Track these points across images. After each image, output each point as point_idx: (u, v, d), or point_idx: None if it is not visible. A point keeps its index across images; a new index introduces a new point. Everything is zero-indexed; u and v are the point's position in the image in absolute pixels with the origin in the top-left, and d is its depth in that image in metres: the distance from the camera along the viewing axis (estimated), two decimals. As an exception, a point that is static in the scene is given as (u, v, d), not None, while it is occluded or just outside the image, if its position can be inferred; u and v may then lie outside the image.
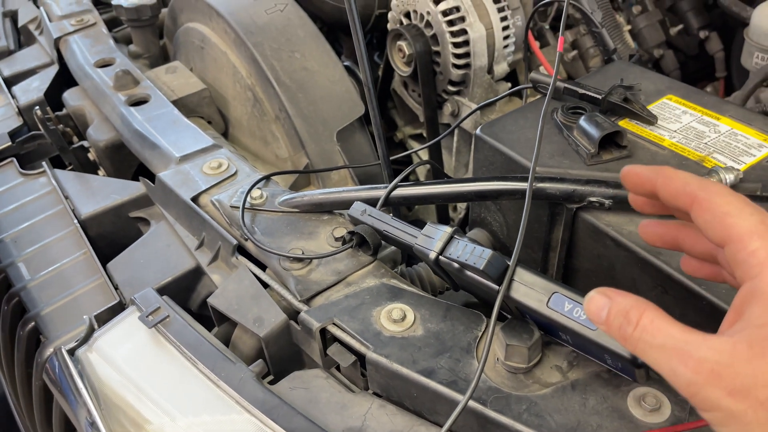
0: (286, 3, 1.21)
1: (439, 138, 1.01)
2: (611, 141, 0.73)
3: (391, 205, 0.77)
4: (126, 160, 1.11)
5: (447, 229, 0.62)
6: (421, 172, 1.47)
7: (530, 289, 0.57)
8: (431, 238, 0.63)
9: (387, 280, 0.72)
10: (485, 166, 0.82)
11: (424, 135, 1.33)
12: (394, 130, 1.52)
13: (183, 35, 1.35)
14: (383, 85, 1.40)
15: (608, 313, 0.44)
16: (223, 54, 1.23)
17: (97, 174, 1.14)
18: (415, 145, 1.49)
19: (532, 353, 0.59)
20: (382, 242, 0.74)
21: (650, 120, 0.78)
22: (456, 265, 0.60)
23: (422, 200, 0.76)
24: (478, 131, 0.82)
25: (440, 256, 0.61)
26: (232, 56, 1.21)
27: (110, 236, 0.97)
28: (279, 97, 1.13)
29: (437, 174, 1.22)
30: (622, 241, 0.66)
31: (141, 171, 1.09)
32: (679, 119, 0.78)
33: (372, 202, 0.76)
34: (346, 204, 0.78)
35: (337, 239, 0.78)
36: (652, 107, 0.81)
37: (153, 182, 0.95)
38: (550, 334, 0.60)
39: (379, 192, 0.78)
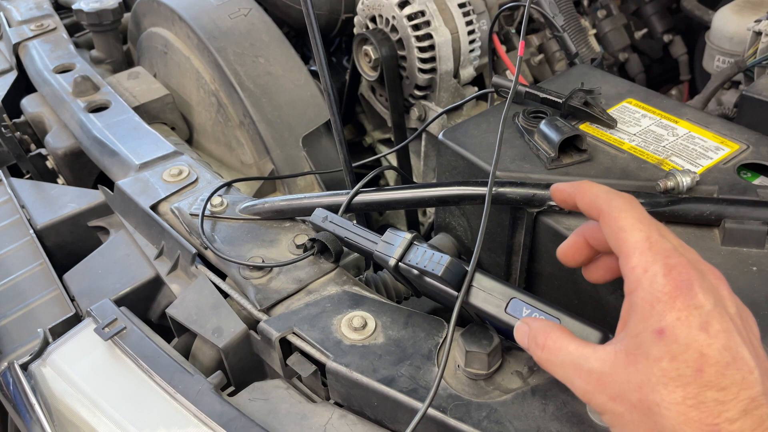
0: (249, 8, 1.20)
1: (405, 143, 1.01)
2: (571, 145, 0.74)
3: (354, 211, 0.76)
4: (86, 168, 1.08)
5: (407, 236, 0.61)
6: (391, 177, 1.47)
7: (489, 294, 0.56)
8: (391, 245, 0.62)
9: (349, 288, 0.71)
10: (448, 170, 0.81)
11: (393, 139, 1.33)
12: (363, 135, 1.51)
13: (146, 40, 1.33)
14: (351, 90, 1.39)
15: (527, 340, 0.50)
16: (186, 59, 1.21)
17: (56, 182, 1.11)
18: (383, 150, 1.49)
19: (492, 359, 0.59)
20: (345, 249, 0.73)
21: (610, 123, 0.78)
22: (415, 271, 0.60)
23: (384, 206, 0.76)
24: (440, 136, 0.81)
25: (399, 263, 0.60)
26: (195, 61, 1.19)
27: (68, 246, 0.94)
28: (243, 102, 1.12)
29: (403, 178, 1.22)
30: (582, 244, 0.66)
31: (101, 179, 1.07)
32: (638, 123, 0.79)
33: (334, 208, 0.75)
34: (308, 210, 0.77)
35: (298, 246, 0.77)
36: (612, 111, 0.81)
37: (112, 190, 0.93)
38: (510, 339, 0.60)
39: (341, 198, 0.77)
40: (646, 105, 0.82)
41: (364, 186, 0.76)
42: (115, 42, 1.39)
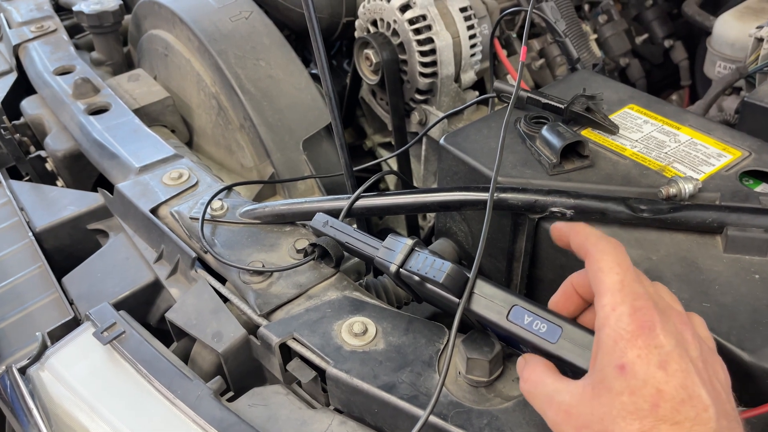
0: (251, 11, 1.20)
1: (405, 147, 1.00)
2: (573, 151, 0.73)
3: (355, 215, 0.76)
4: (85, 171, 1.08)
5: (408, 242, 0.61)
6: (392, 181, 1.46)
7: (490, 301, 0.56)
8: (392, 251, 0.62)
9: (349, 293, 0.71)
10: (449, 175, 0.81)
11: (393, 143, 1.33)
12: (363, 138, 1.51)
13: (147, 42, 1.33)
14: (351, 93, 1.39)
15: (521, 372, 0.53)
16: (187, 62, 1.21)
17: (55, 185, 1.11)
18: (384, 153, 1.48)
19: (493, 366, 0.58)
20: (345, 254, 0.73)
21: (612, 129, 0.78)
22: (416, 278, 0.59)
23: (385, 211, 0.75)
24: (442, 141, 0.81)
25: (401, 269, 0.60)
26: (196, 64, 1.19)
27: (67, 249, 0.94)
28: (243, 105, 1.11)
29: (404, 183, 1.22)
30: (584, 251, 0.65)
31: (101, 182, 1.07)
32: (640, 129, 0.78)
33: (335, 213, 0.75)
34: (309, 215, 0.77)
35: (298, 251, 0.76)
36: (614, 117, 0.81)
37: (112, 193, 0.93)
38: (512, 346, 0.60)
39: (342, 203, 0.76)
40: (647, 111, 0.82)
41: (365, 190, 0.76)
42: (115, 44, 1.39)
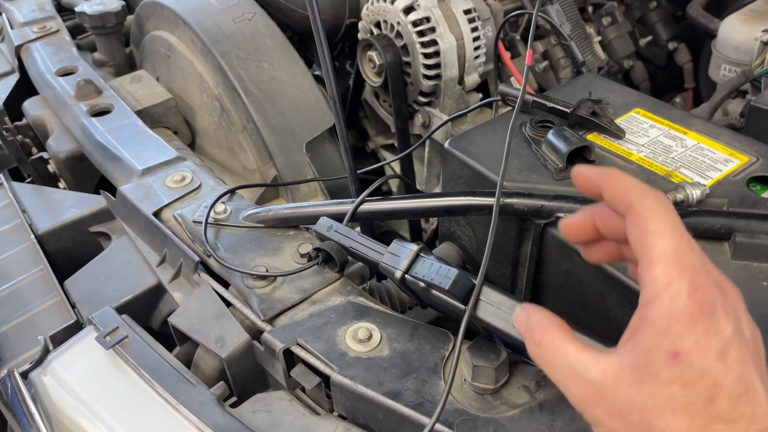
0: (254, 12, 1.19)
1: (409, 150, 1.00)
2: (579, 155, 0.73)
3: (359, 220, 0.76)
4: (87, 173, 1.07)
5: (413, 247, 0.61)
6: (394, 183, 1.46)
7: (496, 308, 0.56)
8: (397, 256, 0.61)
9: (353, 298, 0.70)
10: (454, 179, 0.81)
11: (396, 145, 1.32)
12: (366, 140, 1.50)
13: (149, 43, 1.32)
14: (354, 95, 1.38)
15: (525, 329, 0.46)
16: (189, 63, 1.20)
17: (57, 186, 1.10)
18: (386, 156, 1.48)
19: (499, 374, 0.58)
20: (350, 258, 0.73)
21: (618, 134, 0.77)
22: (422, 284, 0.59)
23: (389, 215, 0.75)
24: (446, 144, 0.81)
25: (406, 275, 0.60)
26: (198, 65, 1.18)
27: (69, 252, 0.94)
28: (246, 107, 1.11)
29: (408, 187, 1.21)
30: (590, 257, 0.65)
31: (103, 184, 1.06)
32: (646, 133, 0.78)
33: (339, 217, 0.75)
34: (313, 219, 0.76)
35: (302, 256, 0.76)
36: (620, 121, 0.81)
37: (114, 196, 0.92)
38: (518, 353, 0.59)
39: (346, 207, 0.76)
40: (654, 115, 0.81)
41: (369, 195, 0.76)
42: (117, 45, 1.38)
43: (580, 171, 0.48)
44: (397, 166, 1.35)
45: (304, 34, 1.44)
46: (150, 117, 1.16)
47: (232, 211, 0.82)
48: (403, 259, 0.60)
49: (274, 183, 1.09)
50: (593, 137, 0.78)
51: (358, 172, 0.90)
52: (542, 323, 0.45)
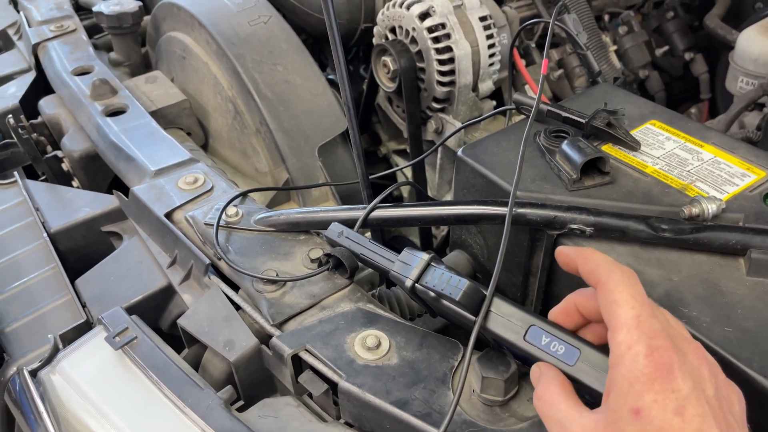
0: (269, 15, 1.19)
1: (422, 157, 0.99)
2: (594, 166, 0.72)
3: (370, 226, 0.75)
4: (101, 172, 1.08)
5: (424, 256, 0.60)
6: (405, 188, 1.46)
7: (507, 320, 0.55)
8: (408, 265, 0.61)
9: (363, 305, 0.70)
10: (466, 188, 0.80)
11: (408, 151, 1.32)
12: (378, 145, 1.50)
13: (165, 44, 1.33)
14: (367, 100, 1.38)
15: (535, 383, 0.52)
16: (204, 65, 1.21)
17: (70, 185, 1.11)
18: (398, 161, 1.48)
19: (508, 386, 0.57)
20: (360, 265, 0.72)
21: (633, 146, 0.77)
22: (432, 293, 0.58)
23: (401, 222, 0.75)
24: (459, 152, 0.80)
25: (416, 284, 0.59)
26: (213, 67, 1.19)
27: (81, 250, 0.94)
28: (260, 110, 1.11)
29: (419, 194, 1.21)
30: (603, 270, 0.64)
31: (116, 183, 1.07)
32: (662, 145, 0.77)
33: (350, 222, 0.75)
34: (324, 224, 0.76)
35: (312, 261, 0.76)
36: (636, 132, 0.80)
37: (126, 195, 0.93)
38: (528, 365, 0.59)
39: (358, 213, 0.76)
40: (670, 127, 0.80)
41: (381, 201, 0.76)
42: (133, 45, 1.39)
43: (560, 250, 0.56)
44: (408, 172, 1.35)
45: (319, 37, 1.45)
46: (164, 118, 1.16)
47: (244, 214, 0.82)
48: (414, 268, 0.60)
49: (286, 187, 1.09)
50: (608, 148, 0.78)
51: (371, 177, 0.90)
52: (547, 380, 0.50)
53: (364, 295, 0.72)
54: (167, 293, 0.82)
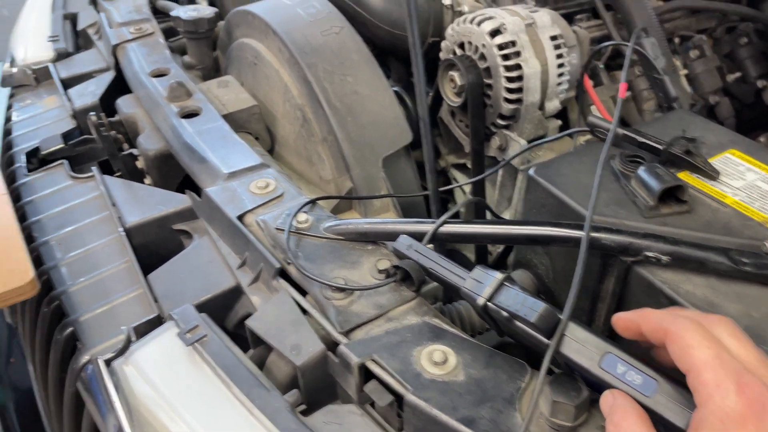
0: (342, 26, 1.22)
1: (489, 173, 1.00)
2: (671, 194, 0.71)
3: (438, 241, 0.76)
4: (173, 171, 1.11)
5: (497, 276, 0.60)
6: (459, 197, 1.45)
7: (582, 346, 0.55)
8: (480, 283, 0.61)
9: (429, 319, 0.70)
10: (536, 208, 0.80)
11: (468, 165, 1.32)
12: (437, 158, 1.51)
13: (237, 50, 1.37)
14: (431, 113, 1.39)
15: (607, 410, 0.52)
16: (275, 72, 1.24)
17: (143, 182, 1.15)
18: (457, 175, 1.48)
19: (578, 412, 0.57)
20: (426, 278, 0.73)
21: (712, 175, 0.75)
22: (504, 313, 0.59)
23: (470, 239, 0.75)
24: (531, 172, 0.80)
25: (489, 303, 0.59)
26: (284, 75, 1.22)
27: (151, 246, 0.97)
28: (328, 119, 1.13)
29: (479, 210, 1.20)
30: (679, 300, 0.63)
31: (185, 182, 1.10)
32: (742, 176, 0.75)
33: (417, 235, 0.75)
34: (392, 236, 0.77)
35: (380, 271, 0.76)
36: (714, 161, 0.78)
37: (199, 195, 0.96)
38: (599, 392, 0.58)
39: (426, 227, 0.76)
40: (750, 158, 0.78)
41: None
42: (206, 49, 1.44)
43: (618, 316, 0.56)
44: (467, 187, 1.35)
45: (385, 49, 1.46)
46: (234, 122, 1.20)
47: (313, 221, 0.84)
48: (487, 287, 0.60)
49: (355, 196, 1.11)
50: (685, 176, 0.76)
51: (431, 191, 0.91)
52: (624, 409, 0.50)
53: (430, 309, 0.72)
54: (235, 294, 0.85)
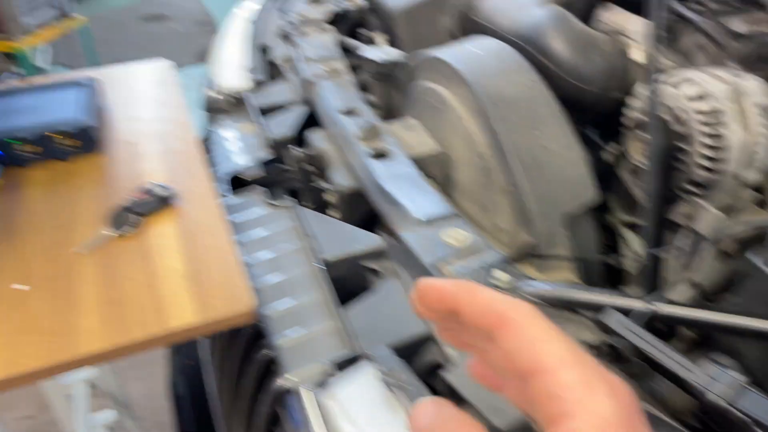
0: (533, 80, 1.23)
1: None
2: None
3: (653, 321, 0.74)
4: (360, 209, 1.17)
5: (738, 376, 0.58)
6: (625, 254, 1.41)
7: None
8: (714, 380, 0.59)
9: (643, 405, 0.69)
10: (756, 297, 0.76)
11: (642, 227, 1.27)
12: (604, 212, 1.47)
13: (420, 93, 1.42)
14: (609, 168, 1.36)
15: None
16: (459, 119, 1.27)
17: (327, 215, 1.22)
18: (627, 233, 1.43)
19: None
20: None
21: None
22: (748, 419, 0.56)
23: (688, 323, 0.73)
24: (749, 255, 0.76)
25: (730, 407, 0.57)
26: (469, 122, 1.24)
27: (341, 281, 1.02)
28: (512, 171, 1.14)
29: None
30: None
31: (368, 220, 1.15)
32: None
33: (625, 311, 0.74)
34: (596, 306, 0.76)
35: (581, 343, 0.76)
36: None
37: (385, 237, 1.00)
38: None
39: (635, 303, 0.75)
40: None
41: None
42: (391, 92, 1.50)
43: (432, 283, 0.41)
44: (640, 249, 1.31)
45: (568, 103, 1.45)
46: (417, 164, 1.24)
47: (511, 279, 0.85)
48: (725, 386, 0.58)
49: (557, 255, 1.10)
50: None
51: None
52: None
53: (639, 393, 0.71)
54: (425, 341, 0.87)
